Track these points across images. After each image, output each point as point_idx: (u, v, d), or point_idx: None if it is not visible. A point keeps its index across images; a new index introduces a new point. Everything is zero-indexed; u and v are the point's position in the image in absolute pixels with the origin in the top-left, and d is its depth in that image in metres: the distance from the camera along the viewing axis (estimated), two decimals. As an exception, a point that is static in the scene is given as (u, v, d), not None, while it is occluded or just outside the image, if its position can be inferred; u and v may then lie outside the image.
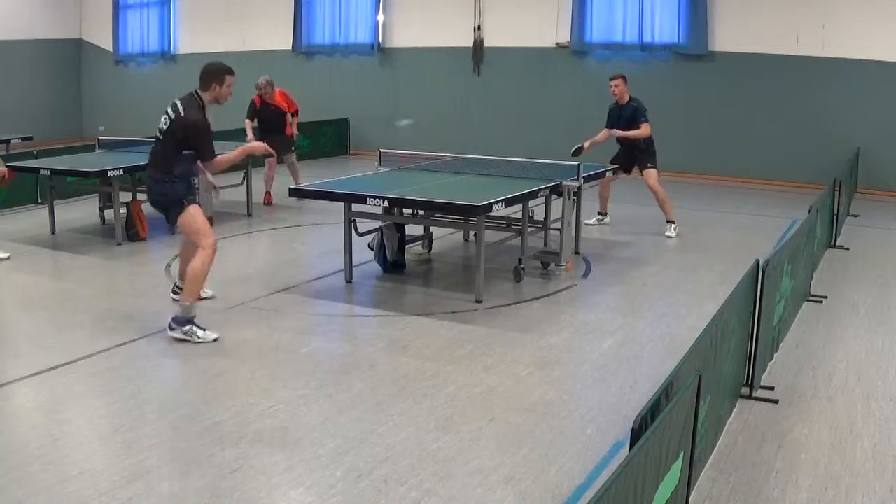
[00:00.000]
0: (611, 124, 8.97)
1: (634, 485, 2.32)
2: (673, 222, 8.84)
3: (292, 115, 10.88)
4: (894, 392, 4.69)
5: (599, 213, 9.39)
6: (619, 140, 8.89)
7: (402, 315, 6.13)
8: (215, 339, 5.36)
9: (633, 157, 8.84)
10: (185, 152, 5.45)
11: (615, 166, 8.64)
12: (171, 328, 5.39)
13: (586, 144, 8.87)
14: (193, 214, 5.48)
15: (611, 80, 8.88)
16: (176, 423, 4.21)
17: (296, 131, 10.99)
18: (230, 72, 5.65)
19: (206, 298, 6.06)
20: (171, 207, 5.50)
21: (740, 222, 9.80)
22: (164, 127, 5.50)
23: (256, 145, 6.30)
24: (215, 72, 5.60)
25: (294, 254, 8.39)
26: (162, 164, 5.50)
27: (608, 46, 13.62)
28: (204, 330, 5.40)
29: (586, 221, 8.76)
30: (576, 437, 4.11)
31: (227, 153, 5.74)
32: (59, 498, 3.45)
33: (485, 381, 4.79)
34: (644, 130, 8.68)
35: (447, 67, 14.93)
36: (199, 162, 5.59)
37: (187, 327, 5.36)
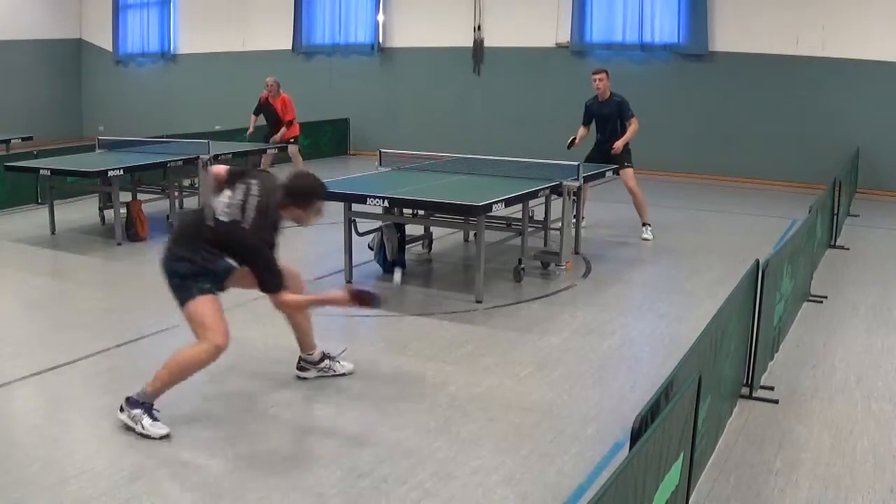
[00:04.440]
0: (588, 121, 8.75)
1: (634, 485, 2.32)
2: (648, 224, 8.69)
3: (286, 125, 11.15)
4: (894, 392, 4.69)
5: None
6: (599, 138, 8.64)
7: (402, 315, 6.13)
8: (163, 437, 4.02)
9: (610, 156, 8.49)
10: (229, 260, 4.27)
11: (615, 166, 8.57)
12: (121, 408, 4.12)
13: (577, 139, 8.81)
14: (203, 306, 4.12)
15: (594, 73, 8.59)
16: (176, 423, 4.20)
17: (277, 138, 11.22)
18: (322, 196, 4.32)
19: (342, 374, 4.86)
20: (178, 287, 4.21)
21: (740, 222, 9.79)
22: (224, 219, 4.10)
23: (338, 297, 4.34)
24: (308, 190, 4.26)
25: (294, 254, 8.36)
26: (198, 247, 4.15)
27: (608, 46, 13.62)
28: (154, 421, 4.08)
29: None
30: (576, 437, 4.11)
31: (303, 298, 4.39)
32: (59, 498, 3.45)
33: (485, 381, 4.79)
34: (634, 127, 8.47)
35: (447, 67, 14.93)
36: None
37: (136, 411, 4.07)
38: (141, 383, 4.72)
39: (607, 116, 8.56)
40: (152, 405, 4.08)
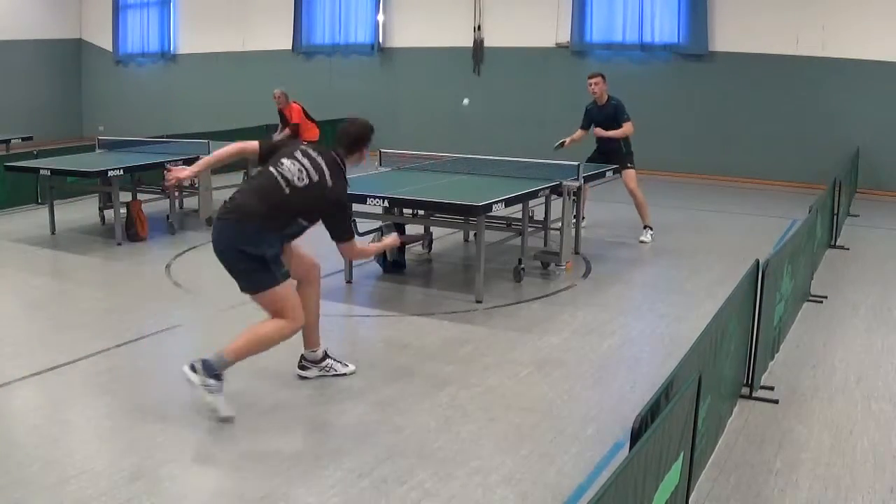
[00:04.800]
0: (587, 125, 8.72)
1: (634, 485, 2.32)
2: (650, 227, 8.60)
3: (292, 129, 11.53)
4: (894, 392, 4.69)
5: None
6: (599, 140, 8.61)
7: (402, 315, 6.13)
8: (225, 419, 4.17)
9: (610, 157, 8.45)
10: (301, 221, 4.38)
11: (615, 166, 8.56)
12: (193, 367, 4.11)
13: (567, 141, 8.73)
14: (287, 289, 4.31)
15: (590, 77, 8.54)
16: (176, 423, 4.20)
17: (276, 136, 11.60)
18: (373, 131, 4.59)
19: (343, 374, 4.85)
20: (257, 271, 4.22)
21: (740, 222, 9.79)
22: (300, 184, 4.25)
23: (390, 242, 5.09)
24: (365, 133, 4.53)
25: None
26: (271, 216, 4.22)
27: (608, 46, 13.62)
28: (221, 396, 4.17)
29: None
30: (576, 437, 4.11)
31: (368, 245, 4.91)
32: (59, 498, 3.45)
33: (485, 381, 4.79)
34: (628, 129, 8.40)
35: (447, 67, 14.93)
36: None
37: (212, 382, 4.11)
38: (141, 383, 4.73)
39: (605, 120, 8.51)
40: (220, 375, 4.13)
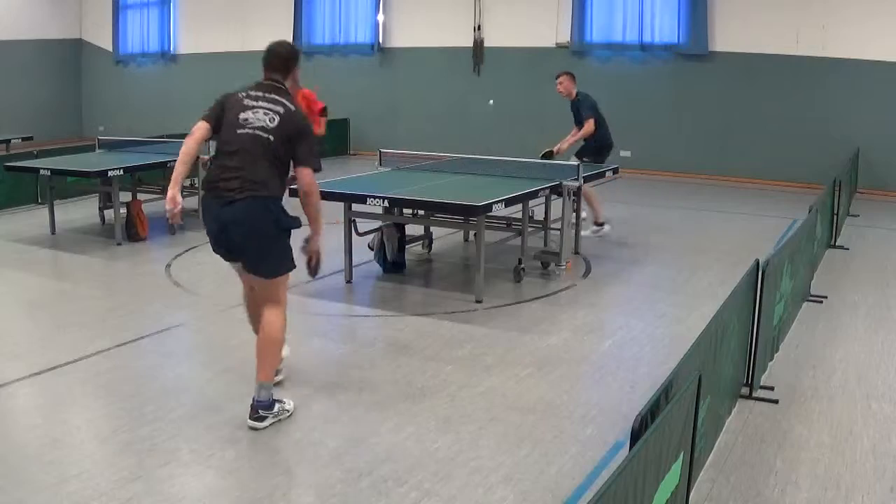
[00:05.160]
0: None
1: (634, 485, 2.32)
2: (601, 224, 8.68)
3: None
4: (894, 392, 4.69)
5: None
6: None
7: (402, 315, 6.13)
8: (291, 410, 4.32)
9: (580, 151, 8.71)
10: (284, 167, 4.27)
11: (615, 166, 8.58)
12: (258, 417, 4.13)
13: (563, 147, 8.63)
14: (289, 277, 4.31)
15: (556, 78, 8.84)
16: (176, 423, 4.21)
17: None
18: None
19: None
20: (286, 250, 4.23)
21: (740, 222, 9.79)
22: (274, 125, 4.16)
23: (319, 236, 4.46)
24: (294, 51, 4.45)
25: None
26: (275, 172, 4.18)
27: (608, 46, 13.62)
28: (287, 401, 4.33)
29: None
30: (576, 437, 4.11)
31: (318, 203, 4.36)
32: (59, 498, 3.45)
33: (485, 381, 4.79)
34: (588, 128, 8.43)
35: (447, 67, 14.93)
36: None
37: (276, 409, 4.20)
38: (141, 383, 4.73)
39: (574, 115, 8.77)
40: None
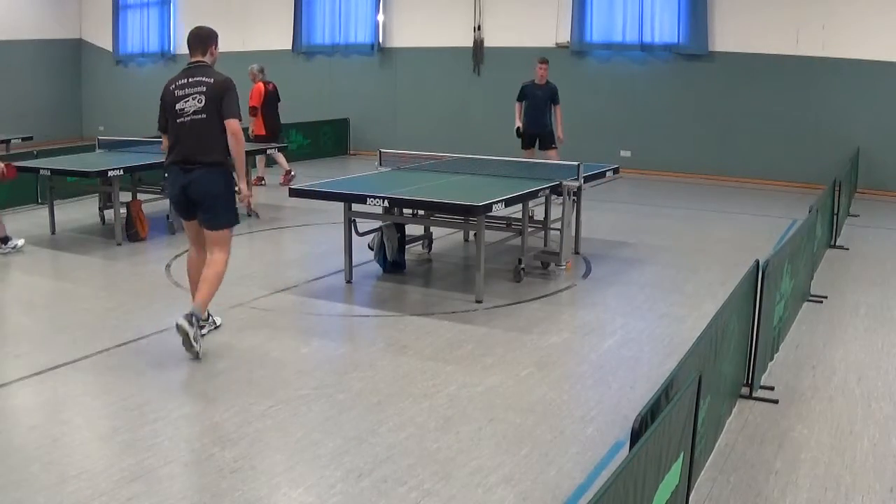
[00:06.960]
0: (522, 98, 10.14)
1: (634, 485, 2.32)
2: None
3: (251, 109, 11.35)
4: (894, 392, 4.69)
5: None
6: (531, 121, 10.07)
7: (402, 315, 6.13)
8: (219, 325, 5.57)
9: (543, 138, 10.10)
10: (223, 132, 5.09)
11: (615, 166, 8.57)
12: (190, 321, 4.95)
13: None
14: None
15: (541, 62, 10.11)
16: (176, 422, 4.21)
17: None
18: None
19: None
20: (224, 204, 5.17)
21: (740, 222, 9.79)
22: (203, 104, 5.04)
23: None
24: (212, 31, 5.35)
25: (294, 254, 8.40)
26: (216, 147, 5.07)
27: (608, 46, 13.61)
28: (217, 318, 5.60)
29: None
30: (576, 437, 4.11)
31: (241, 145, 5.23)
32: (59, 498, 3.45)
33: (485, 381, 4.79)
34: (560, 113, 10.07)
35: (447, 67, 14.93)
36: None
37: (203, 331, 5.21)
38: (141, 383, 4.74)
39: (541, 98, 10.04)
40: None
